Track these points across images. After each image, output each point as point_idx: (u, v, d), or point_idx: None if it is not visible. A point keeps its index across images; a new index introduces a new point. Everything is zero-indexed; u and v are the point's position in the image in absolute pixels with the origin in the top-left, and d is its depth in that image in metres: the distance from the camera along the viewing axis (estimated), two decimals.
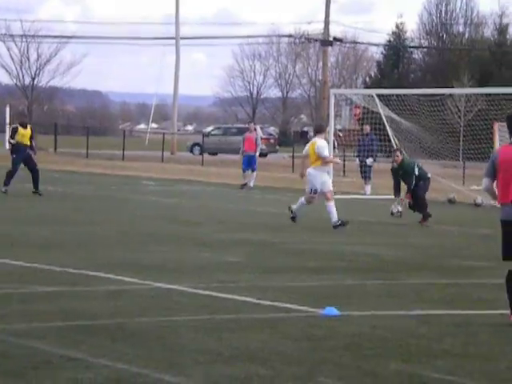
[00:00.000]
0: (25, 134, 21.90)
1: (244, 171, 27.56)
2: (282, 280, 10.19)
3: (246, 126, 46.35)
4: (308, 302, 8.82)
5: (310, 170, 16.55)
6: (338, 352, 6.82)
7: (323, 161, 16.46)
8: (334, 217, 16.20)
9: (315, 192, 16.53)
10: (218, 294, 9.05)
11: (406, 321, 8.09)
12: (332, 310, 8.30)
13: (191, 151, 54.54)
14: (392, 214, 18.36)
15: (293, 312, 8.36)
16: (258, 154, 27.82)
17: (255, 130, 28.51)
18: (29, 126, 21.96)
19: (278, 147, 56.48)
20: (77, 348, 6.62)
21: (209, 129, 60.65)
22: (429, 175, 18.43)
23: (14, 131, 22.02)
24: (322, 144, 16.48)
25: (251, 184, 27.31)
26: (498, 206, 8.29)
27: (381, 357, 6.71)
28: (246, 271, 10.77)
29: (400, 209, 18.33)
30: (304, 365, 6.41)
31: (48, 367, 6.08)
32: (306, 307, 8.55)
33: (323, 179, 16.52)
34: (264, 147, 53.15)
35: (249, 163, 27.35)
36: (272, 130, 61.56)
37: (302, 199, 16.82)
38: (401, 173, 18.04)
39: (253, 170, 27.40)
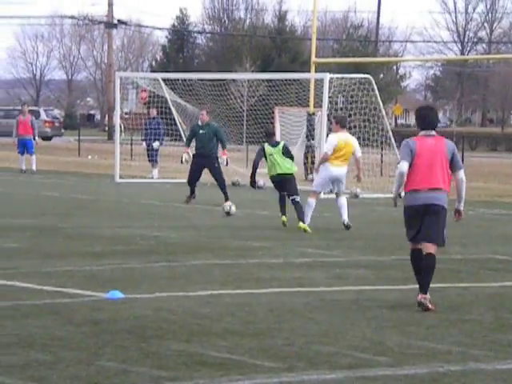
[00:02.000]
0: None
1: (21, 155, 26.89)
2: (65, 265, 10.05)
3: (18, 108, 45.19)
4: (92, 286, 8.77)
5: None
6: (122, 335, 6.83)
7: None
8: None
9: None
10: None
11: (189, 302, 8.23)
12: (116, 294, 8.30)
13: None
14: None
15: (76, 297, 8.28)
16: (36, 137, 27.23)
17: (31, 112, 27.75)
18: None
19: (63, 130, 55.35)
20: None
21: None
22: None
23: None
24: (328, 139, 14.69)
25: (34, 168, 26.66)
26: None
27: (163, 338, 6.79)
28: (27, 257, 10.54)
29: None
30: (86, 349, 6.38)
31: None
32: (90, 291, 8.49)
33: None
34: (48, 130, 51.91)
35: (24, 147, 26.74)
36: (57, 112, 60.16)
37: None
38: None
39: (30, 154, 26.77)
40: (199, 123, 18.51)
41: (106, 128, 61.58)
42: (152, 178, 25.87)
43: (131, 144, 34.77)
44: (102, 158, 35.19)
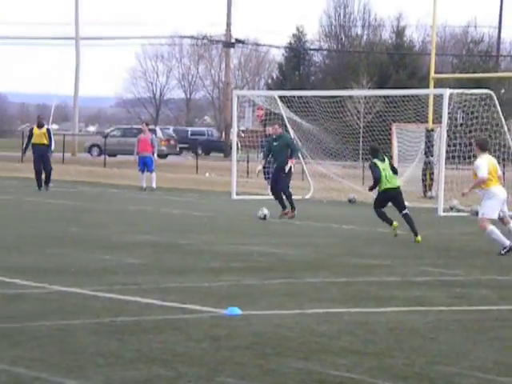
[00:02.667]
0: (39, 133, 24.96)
1: (141, 173, 27.40)
2: (184, 281, 10.19)
3: (137, 127, 46.14)
4: (210, 302, 8.85)
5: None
6: (240, 351, 6.86)
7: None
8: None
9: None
10: (120, 297, 8.99)
11: (307, 319, 8.20)
12: (234, 310, 8.35)
13: (89, 152, 53.89)
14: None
15: (195, 313, 8.37)
16: (155, 155, 27.62)
17: (150, 131, 28.21)
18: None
19: (178, 149, 56.29)
20: None
21: (108, 130, 60.05)
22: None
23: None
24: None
25: (153, 185, 27.17)
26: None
27: (282, 355, 6.78)
28: (148, 273, 10.73)
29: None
30: (206, 365, 6.43)
31: None
32: (209, 308, 8.57)
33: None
34: (164, 148, 52.86)
35: (145, 165, 27.20)
36: (172, 131, 61.33)
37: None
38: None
39: (150, 172, 27.25)
40: (273, 137, 19.14)
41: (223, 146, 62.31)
42: (269, 194, 25.97)
43: (247, 161, 35.07)
44: (219, 175, 35.62)
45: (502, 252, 13.39)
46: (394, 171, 15.03)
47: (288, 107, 27.36)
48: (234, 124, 26.44)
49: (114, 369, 6.24)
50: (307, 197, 25.53)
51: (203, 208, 21.23)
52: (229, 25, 57.33)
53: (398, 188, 15.06)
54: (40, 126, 25.48)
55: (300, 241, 15.00)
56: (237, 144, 27.54)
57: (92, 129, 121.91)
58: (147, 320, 7.97)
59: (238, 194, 24.96)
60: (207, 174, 37.29)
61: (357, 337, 7.51)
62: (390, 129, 29.32)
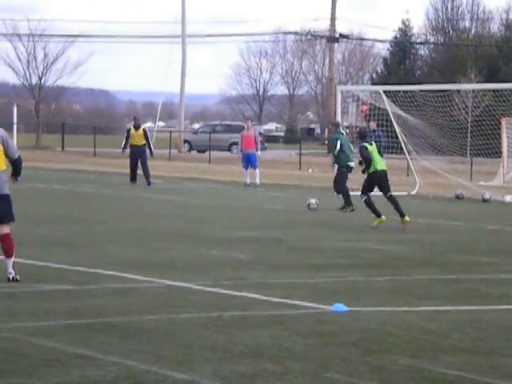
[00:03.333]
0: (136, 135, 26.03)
1: (245, 169, 27.54)
2: (290, 277, 10.21)
3: (242, 124, 46.34)
4: (316, 298, 8.84)
5: None
6: (347, 348, 6.83)
7: None
8: None
9: None
10: (227, 292, 9.08)
11: (413, 317, 8.10)
12: (340, 307, 8.32)
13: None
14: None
15: (301, 308, 8.37)
16: (259, 151, 27.68)
17: (250, 127, 28.24)
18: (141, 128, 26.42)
19: (266, 145, 56.50)
20: (86, 345, 6.65)
21: (197, 126, 60.69)
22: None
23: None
24: None
25: (257, 181, 27.28)
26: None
27: (389, 352, 6.72)
28: (254, 268, 10.79)
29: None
30: (313, 361, 6.42)
31: (58, 365, 6.11)
32: (315, 303, 8.56)
33: None
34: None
35: (248, 161, 27.31)
36: (264, 128, 61.46)
37: None
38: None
39: (254, 168, 27.35)
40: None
41: (326, 142, 62.21)
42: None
43: None
44: (322, 171, 35.54)
45: None
46: (381, 155, 15.96)
47: (393, 102, 27.06)
48: (338, 119, 26.31)
49: (222, 362, 6.31)
50: (413, 193, 25.20)
51: (305, 204, 21.20)
52: (333, 20, 57.06)
53: (385, 171, 15.83)
54: (137, 127, 26.45)
55: (406, 237, 14.82)
56: None
57: (197, 126, 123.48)
58: (254, 315, 8.02)
59: None
60: (310, 170, 37.26)
61: (467, 335, 7.38)
62: (500, 123, 28.66)
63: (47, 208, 18.35)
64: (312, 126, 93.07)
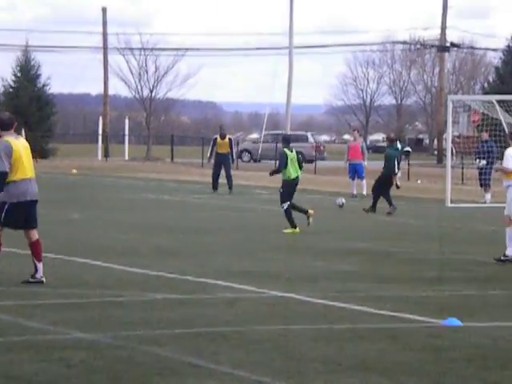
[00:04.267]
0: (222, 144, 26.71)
1: (351, 180, 27.39)
2: (399, 290, 10.08)
3: (303, 134, 46.45)
4: (427, 312, 8.70)
5: None
6: (461, 363, 6.69)
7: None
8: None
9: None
10: (335, 304, 9.03)
11: None
12: (454, 321, 8.16)
13: (239, 157, 54.61)
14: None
15: (413, 322, 8.25)
16: (365, 162, 27.47)
17: (360, 137, 28.05)
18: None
19: (326, 154, 56.13)
20: (198, 355, 6.72)
21: (254, 136, 60.68)
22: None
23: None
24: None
25: (364, 192, 27.06)
26: None
27: (506, 369, 6.55)
28: (361, 280, 10.70)
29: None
30: (427, 376, 6.32)
31: (172, 374, 6.18)
32: (426, 317, 8.42)
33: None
34: (313, 153, 53.14)
35: (355, 172, 27.15)
36: (323, 138, 60.80)
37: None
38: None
39: (361, 179, 27.16)
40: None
41: (435, 152, 61.31)
42: (485, 202, 25.24)
43: (462, 168, 34.25)
44: (432, 182, 35.02)
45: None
46: (300, 165, 16.46)
47: (507, 111, 26.43)
48: (449, 130, 25.87)
49: (333, 375, 6.27)
50: None
51: (415, 216, 20.94)
52: (444, 29, 56.26)
53: (298, 178, 16.49)
54: (223, 136, 27.16)
55: None
56: (451, 150, 26.96)
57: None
58: (364, 328, 7.94)
59: (452, 201, 24.40)
60: (419, 181, 36.76)
61: None
62: None
63: (157, 218, 18.67)
64: (420, 136, 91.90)
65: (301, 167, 16.52)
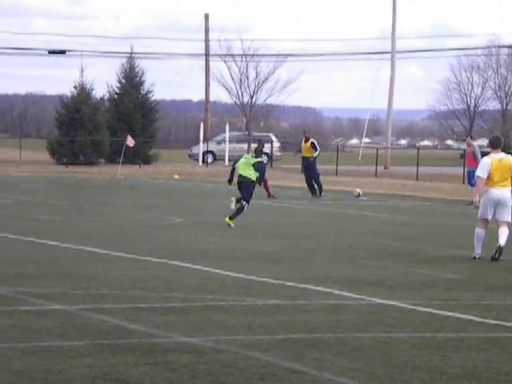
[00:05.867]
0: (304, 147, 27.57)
1: (470, 186, 26.94)
2: (506, 298, 9.83)
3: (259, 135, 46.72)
4: None
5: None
6: None
7: None
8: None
9: None
10: (439, 312, 8.86)
11: None
12: None
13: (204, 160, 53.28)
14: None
15: None
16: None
17: (470, 143, 27.55)
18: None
19: (280, 154, 55.84)
20: (300, 361, 6.68)
21: (403, 142, 59.65)
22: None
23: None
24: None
25: None
26: None
27: None
28: (466, 288, 10.48)
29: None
30: None
31: (274, 379, 6.17)
32: None
33: None
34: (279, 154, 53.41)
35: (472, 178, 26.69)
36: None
37: None
38: None
39: (472, 185, 26.60)
40: None
41: None
42: None
43: None
44: None
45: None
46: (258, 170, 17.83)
47: None
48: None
49: None
50: None
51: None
52: None
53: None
54: (306, 140, 27.81)
55: None
56: None
57: (403, 142, 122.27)
58: (469, 337, 7.77)
59: None
60: None
61: None
62: None
63: (258, 223, 18.73)
64: None
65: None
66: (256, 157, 18.21)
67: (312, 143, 27.57)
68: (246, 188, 17.72)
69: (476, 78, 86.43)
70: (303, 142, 27.83)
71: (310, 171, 27.61)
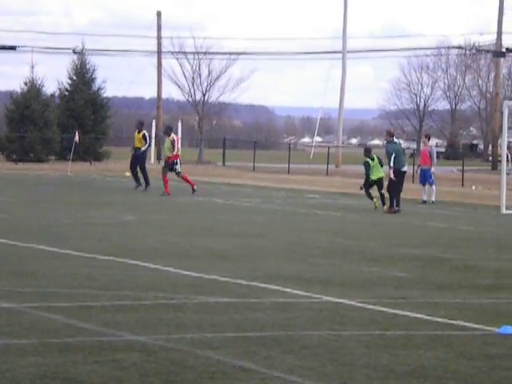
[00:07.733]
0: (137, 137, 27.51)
1: (422, 185, 27.12)
2: (453, 297, 9.95)
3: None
4: (482, 319, 8.57)
5: None
6: None
7: None
8: None
9: None
10: (388, 310, 8.94)
11: None
12: (509, 329, 8.03)
13: None
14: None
15: (467, 330, 8.14)
16: (433, 168, 27.00)
17: (427, 142, 27.77)
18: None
19: None
20: (250, 359, 6.70)
21: (354, 141, 59.73)
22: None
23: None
24: None
25: (432, 198, 26.78)
26: None
27: None
28: (415, 287, 10.59)
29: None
30: None
31: (223, 377, 6.17)
32: (481, 325, 8.30)
33: None
34: None
35: (424, 177, 26.88)
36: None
37: None
38: None
39: (430, 185, 26.87)
40: None
41: (490, 158, 60.62)
42: None
43: None
44: (486, 189, 34.60)
45: None
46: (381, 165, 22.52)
47: None
48: (505, 136, 25.58)
49: (386, 382, 6.20)
50: None
51: (469, 222, 20.70)
52: (499, 34, 55.63)
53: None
54: (138, 131, 27.64)
55: None
56: (507, 156, 26.60)
57: (354, 141, 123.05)
58: (417, 335, 7.85)
59: (508, 208, 24.08)
60: (473, 187, 36.35)
61: None
62: None
63: (209, 221, 18.72)
64: (475, 141, 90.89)
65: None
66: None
67: (144, 135, 27.60)
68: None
69: (426, 78, 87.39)
70: (136, 133, 27.76)
71: (137, 161, 27.36)
